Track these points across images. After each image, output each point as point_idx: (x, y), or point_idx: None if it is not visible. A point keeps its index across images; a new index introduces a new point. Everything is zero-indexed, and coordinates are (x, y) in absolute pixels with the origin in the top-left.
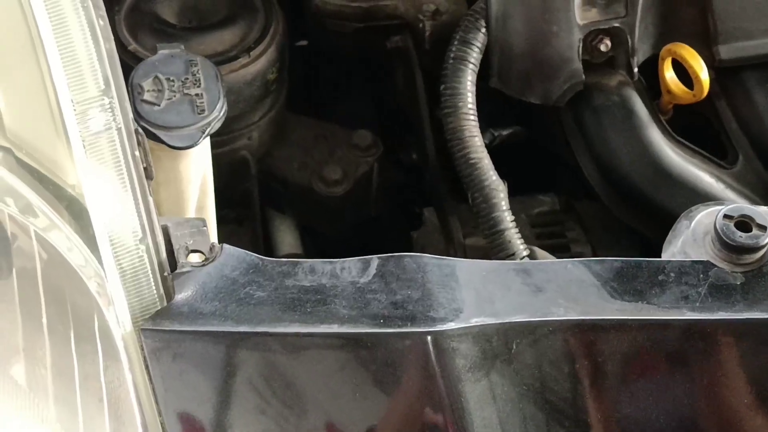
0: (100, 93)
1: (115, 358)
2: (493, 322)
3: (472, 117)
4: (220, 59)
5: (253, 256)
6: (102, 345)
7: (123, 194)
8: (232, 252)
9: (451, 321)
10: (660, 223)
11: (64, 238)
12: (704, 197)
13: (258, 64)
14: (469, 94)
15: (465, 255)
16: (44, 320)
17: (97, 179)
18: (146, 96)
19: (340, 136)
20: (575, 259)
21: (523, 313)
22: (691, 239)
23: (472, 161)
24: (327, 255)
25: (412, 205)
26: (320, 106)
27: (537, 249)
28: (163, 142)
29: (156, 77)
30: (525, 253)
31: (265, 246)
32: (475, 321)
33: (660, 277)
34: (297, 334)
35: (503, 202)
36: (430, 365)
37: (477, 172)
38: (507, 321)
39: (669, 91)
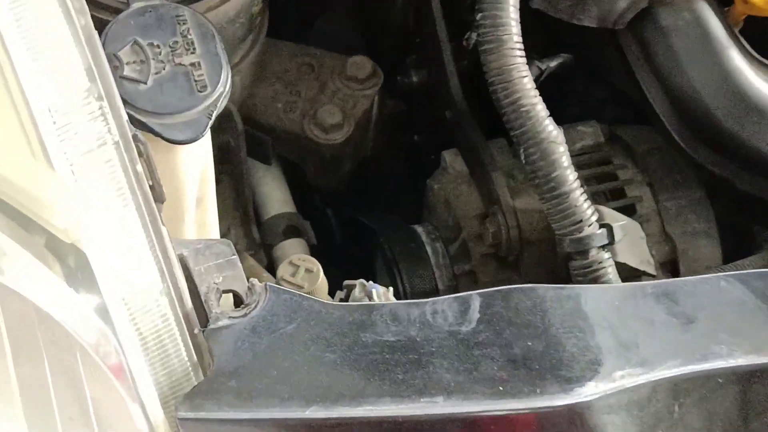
0: (85, 93)
1: None
2: (645, 379)
3: (518, 53)
4: None
5: (310, 299)
6: None
7: (131, 233)
8: (280, 294)
9: (589, 380)
10: (745, 164)
11: (59, 303)
12: None
13: None
14: (514, 23)
15: (517, 221)
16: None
17: (96, 217)
18: (126, 71)
19: (330, 65)
20: (728, 274)
21: (676, 357)
22: None
23: (524, 109)
24: (319, 208)
25: (408, 134)
26: (293, 25)
27: (603, 209)
28: (158, 135)
29: (135, 43)
30: (594, 218)
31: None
32: (620, 375)
33: None
34: (393, 419)
35: (564, 158)
36: None
37: (531, 123)
38: (663, 376)
39: (746, 1)
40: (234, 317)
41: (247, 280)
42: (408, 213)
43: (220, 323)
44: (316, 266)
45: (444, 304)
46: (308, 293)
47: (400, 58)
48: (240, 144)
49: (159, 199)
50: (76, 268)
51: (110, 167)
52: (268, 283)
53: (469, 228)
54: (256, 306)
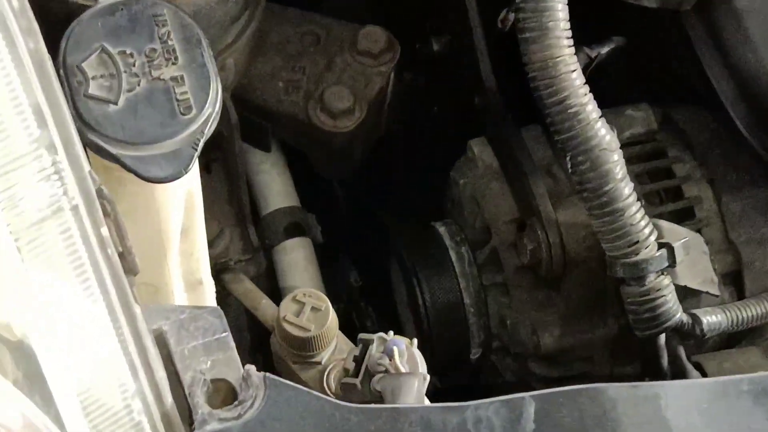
0: (33, 145)
1: None
2: None
3: (566, 42)
4: None
5: (321, 398)
6: None
7: (94, 322)
8: (282, 391)
9: None
10: None
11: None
12: None
13: None
14: (560, 7)
15: (560, 237)
16: None
17: (47, 306)
18: (92, 88)
19: (339, 35)
20: None
21: None
22: None
23: (572, 110)
24: (325, 199)
25: (426, 107)
26: None
27: (662, 224)
28: (131, 170)
29: (103, 51)
30: (652, 238)
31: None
32: None
33: None
34: None
35: (618, 168)
36: None
37: (581, 126)
38: None
39: None
40: (225, 419)
41: (243, 366)
42: (425, 197)
43: (208, 428)
44: (325, 303)
45: (490, 410)
46: (316, 336)
47: (418, 23)
48: (234, 136)
49: (131, 270)
50: (23, 367)
51: (67, 239)
52: (267, 375)
53: (501, 234)
54: (252, 404)
